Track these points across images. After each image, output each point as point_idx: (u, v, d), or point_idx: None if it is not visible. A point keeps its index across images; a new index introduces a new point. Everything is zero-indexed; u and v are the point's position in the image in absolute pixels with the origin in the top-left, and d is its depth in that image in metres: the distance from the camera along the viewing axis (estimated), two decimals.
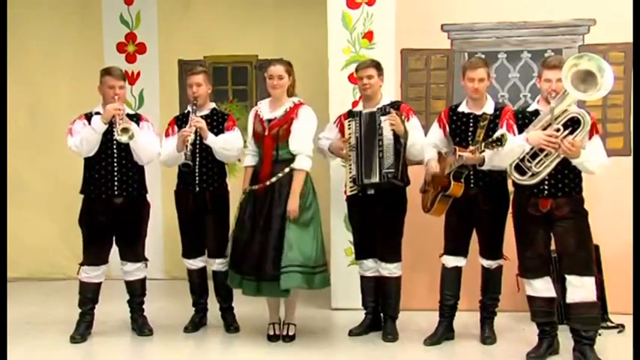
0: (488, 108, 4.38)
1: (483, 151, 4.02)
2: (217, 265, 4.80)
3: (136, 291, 4.75)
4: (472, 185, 4.36)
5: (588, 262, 4.01)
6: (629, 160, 4.96)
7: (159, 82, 6.45)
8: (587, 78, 3.76)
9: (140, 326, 4.75)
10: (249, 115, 4.71)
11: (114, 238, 4.66)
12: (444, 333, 4.53)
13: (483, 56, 5.04)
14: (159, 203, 5.74)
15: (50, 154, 6.31)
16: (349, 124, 4.63)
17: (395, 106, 4.54)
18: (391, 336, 4.57)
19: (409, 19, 5.19)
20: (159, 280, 6.16)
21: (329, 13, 5.27)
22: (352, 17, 5.25)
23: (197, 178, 4.68)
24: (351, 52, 5.26)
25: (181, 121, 4.74)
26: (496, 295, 4.52)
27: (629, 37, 4.86)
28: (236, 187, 4.76)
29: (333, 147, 4.75)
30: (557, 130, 3.85)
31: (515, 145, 3.89)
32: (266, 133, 4.45)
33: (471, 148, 4.16)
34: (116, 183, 4.53)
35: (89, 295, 4.63)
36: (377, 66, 4.55)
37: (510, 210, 4.30)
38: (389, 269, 4.59)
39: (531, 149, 3.91)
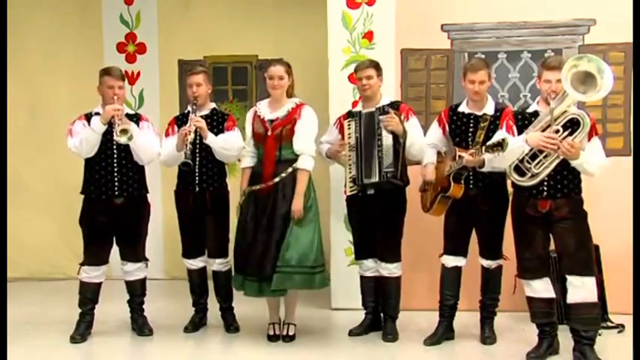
0: (489, 109, 4.38)
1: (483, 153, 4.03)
2: (217, 265, 4.81)
3: (136, 291, 4.75)
4: (472, 186, 4.36)
5: (588, 262, 4.01)
6: (629, 160, 4.96)
7: (159, 82, 6.44)
8: (586, 79, 3.76)
9: (140, 326, 4.75)
10: (248, 114, 4.70)
11: (114, 238, 4.66)
12: (444, 333, 4.53)
13: (483, 56, 5.05)
14: (159, 203, 5.74)
15: (50, 154, 6.31)
16: (349, 125, 4.63)
17: (394, 106, 4.54)
18: (391, 336, 4.58)
19: (409, 19, 5.18)
20: (159, 280, 6.16)
21: (329, 13, 5.27)
22: (352, 17, 5.25)
23: (197, 178, 4.68)
24: (351, 52, 5.26)
25: (181, 121, 4.74)
26: (496, 295, 4.52)
27: (629, 37, 4.85)
28: (236, 187, 4.75)
29: (331, 152, 4.75)
30: (557, 131, 3.85)
31: (514, 146, 3.89)
32: (269, 134, 4.45)
33: (472, 150, 4.17)
34: (116, 183, 4.53)
35: (89, 295, 4.63)
36: (376, 66, 4.55)
37: (510, 210, 4.30)
38: (389, 269, 4.59)
39: (531, 150, 3.90)
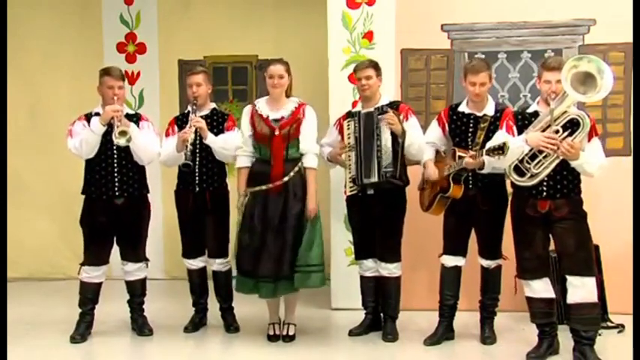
0: (489, 109, 4.37)
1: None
2: (217, 265, 4.81)
3: (137, 291, 4.75)
4: (471, 186, 4.36)
5: (588, 262, 4.01)
6: (629, 160, 4.95)
7: (159, 82, 6.45)
8: (586, 80, 3.75)
9: (140, 326, 4.75)
10: (243, 113, 4.66)
11: (115, 239, 4.66)
12: (444, 333, 4.53)
13: (483, 56, 5.06)
14: (159, 203, 5.74)
15: (50, 154, 6.31)
16: (348, 125, 4.63)
17: (393, 106, 4.54)
18: (391, 336, 4.58)
19: (409, 19, 5.18)
20: (159, 280, 6.16)
21: (329, 13, 5.27)
22: (352, 17, 5.25)
23: (197, 178, 4.68)
24: (351, 52, 5.26)
25: (181, 121, 4.75)
26: (496, 295, 4.52)
27: (629, 37, 4.85)
28: (236, 187, 4.75)
29: (332, 155, 4.75)
30: (557, 131, 3.85)
31: (514, 146, 3.89)
32: (276, 133, 4.45)
33: (472, 153, 4.17)
34: (117, 184, 4.53)
35: (89, 295, 4.64)
36: (375, 66, 4.55)
37: (509, 210, 4.30)
38: (389, 269, 4.59)
39: (530, 150, 3.90)
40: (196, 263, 4.85)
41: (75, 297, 4.68)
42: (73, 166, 5.03)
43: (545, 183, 3.96)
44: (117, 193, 4.53)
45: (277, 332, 4.60)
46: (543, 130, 3.90)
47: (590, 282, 3.97)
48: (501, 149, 3.84)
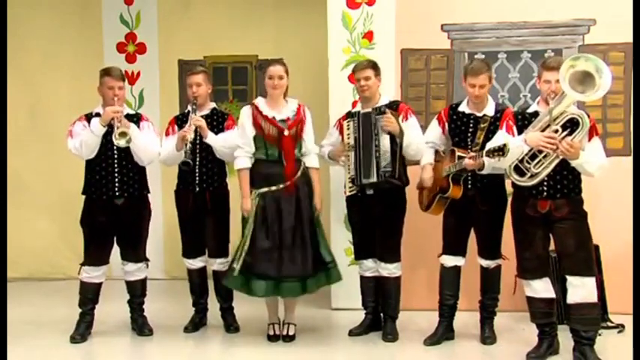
0: (489, 110, 4.37)
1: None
2: (217, 264, 4.81)
3: (137, 291, 4.75)
4: (470, 186, 4.36)
5: (589, 262, 4.01)
6: (629, 160, 4.95)
7: (159, 82, 6.45)
8: (585, 79, 3.75)
9: (140, 326, 4.75)
10: (243, 114, 4.54)
11: (115, 239, 4.66)
12: (443, 333, 4.53)
13: (483, 56, 5.06)
14: (159, 203, 5.73)
15: (50, 155, 6.31)
16: (348, 125, 4.63)
17: (393, 106, 4.54)
18: (391, 336, 4.58)
19: (409, 19, 5.18)
20: (159, 280, 6.16)
21: (329, 13, 5.27)
22: (352, 17, 5.25)
23: (197, 178, 4.69)
24: (351, 52, 5.26)
25: (181, 120, 4.75)
26: (495, 294, 4.52)
27: (629, 37, 4.85)
28: (236, 187, 4.73)
29: (333, 154, 4.75)
30: (556, 131, 3.84)
31: (514, 146, 3.89)
32: (286, 133, 4.45)
33: (472, 154, 4.17)
34: (117, 184, 4.53)
35: (89, 295, 4.64)
36: (374, 66, 4.55)
37: (509, 210, 4.29)
38: (388, 269, 4.59)
39: (530, 150, 3.90)
40: (196, 263, 4.85)
41: (75, 297, 4.68)
42: (73, 167, 5.03)
43: (545, 183, 3.96)
44: (117, 194, 4.53)
45: (277, 332, 4.60)
46: (543, 130, 3.90)
47: (590, 282, 3.97)
48: (501, 151, 3.84)
